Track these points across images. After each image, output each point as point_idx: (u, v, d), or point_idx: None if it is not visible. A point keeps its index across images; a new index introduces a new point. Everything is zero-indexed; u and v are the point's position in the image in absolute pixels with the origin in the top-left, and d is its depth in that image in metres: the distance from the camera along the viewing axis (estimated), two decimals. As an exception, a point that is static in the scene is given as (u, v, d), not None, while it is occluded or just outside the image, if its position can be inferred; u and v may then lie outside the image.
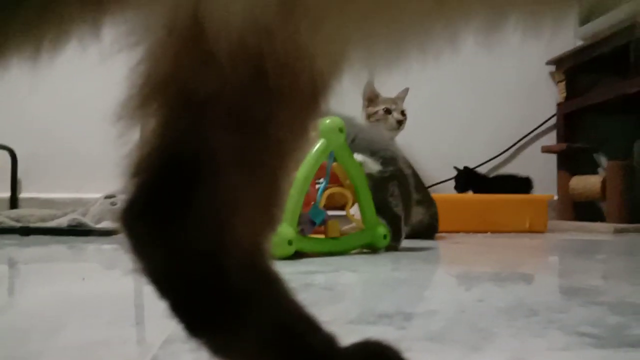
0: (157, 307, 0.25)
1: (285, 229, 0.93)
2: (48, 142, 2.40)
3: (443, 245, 1.31)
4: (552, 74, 2.48)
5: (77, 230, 1.67)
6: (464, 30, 0.23)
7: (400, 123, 1.57)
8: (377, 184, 1.09)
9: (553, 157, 2.33)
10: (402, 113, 1.57)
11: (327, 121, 1.01)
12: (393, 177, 1.11)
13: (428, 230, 1.46)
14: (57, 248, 1.24)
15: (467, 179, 2.11)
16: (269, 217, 0.28)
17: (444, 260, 1.01)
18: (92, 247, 1.25)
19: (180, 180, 0.26)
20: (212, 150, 0.26)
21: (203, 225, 0.26)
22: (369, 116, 1.62)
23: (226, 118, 0.26)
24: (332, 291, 0.64)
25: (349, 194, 1.06)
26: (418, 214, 1.22)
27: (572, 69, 2.35)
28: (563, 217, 2.23)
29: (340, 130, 1.01)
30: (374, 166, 1.10)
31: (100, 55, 0.25)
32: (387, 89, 1.59)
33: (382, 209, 1.10)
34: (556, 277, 0.76)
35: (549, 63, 2.45)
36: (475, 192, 2.08)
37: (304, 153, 0.30)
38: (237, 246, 0.26)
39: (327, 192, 1.03)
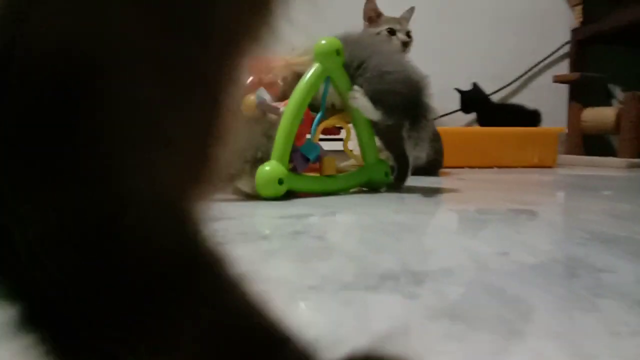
0: None
1: (275, 166, 0.83)
2: None
3: (448, 182, 1.22)
4: (568, -3, 2.29)
5: None
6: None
7: (405, 45, 1.41)
8: (384, 128, 0.96)
9: (565, 88, 2.20)
10: (408, 34, 1.41)
11: (323, 42, 0.88)
12: (399, 125, 0.93)
13: (432, 166, 1.36)
14: None
15: (473, 100, 2.02)
16: (203, 159, 0.17)
17: (451, 200, 0.92)
18: None
19: (59, 79, 0.14)
20: (119, 40, 0.15)
21: (96, 159, 0.14)
22: (370, 39, 1.47)
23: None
24: (325, 241, 0.54)
25: (347, 127, 0.95)
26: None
27: (591, -9, 2.17)
28: (572, 151, 2.12)
29: (338, 52, 0.89)
30: (374, 114, 0.90)
31: None
32: (391, 7, 1.43)
33: (390, 145, 0.99)
34: (582, 222, 0.66)
35: (565, -16, 2.26)
36: (480, 117, 1.99)
37: (247, 72, 0.19)
38: (153, 201, 0.15)
39: (323, 124, 0.92)
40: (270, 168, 0.82)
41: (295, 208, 0.76)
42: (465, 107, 2.04)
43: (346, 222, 0.67)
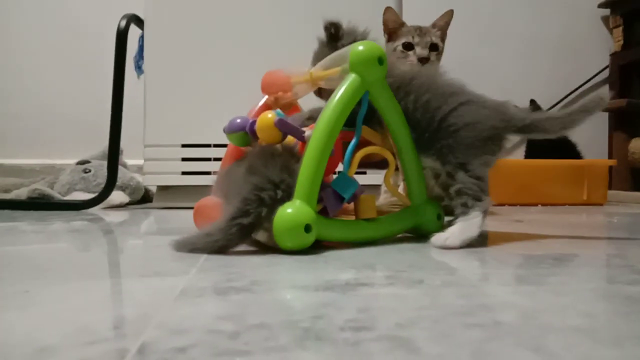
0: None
1: (300, 209, 0.62)
2: (14, 100, 2.07)
3: (500, 225, 1.00)
4: (605, 19, 2.11)
5: (40, 204, 1.37)
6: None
7: (422, 62, 1.11)
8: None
9: (603, 117, 2.00)
10: (432, 46, 1.13)
11: (361, 48, 0.68)
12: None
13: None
14: (15, 225, 0.94)
15: None
16: None
17: (538, 253, 0.70)
18: (59, 225, 0.95)
19: None
20: None
21: None
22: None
23: None
24: (416, 354, 0.32)
25: (390, 156, 0.74)
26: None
27: (631, 12, 1.99)
28: (617, 186, 1.91)
29: (380, 61, 0.69)
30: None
31: None
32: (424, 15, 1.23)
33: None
34: None
35: (601, 6, 2.09)
36: (528, 147, 1.81)
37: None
38: None
39: (360, 152, 0.71)
40: (293, 211, 0.61)
41: (329, 267, 0.54)
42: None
43: (410, 302, 0.45)
